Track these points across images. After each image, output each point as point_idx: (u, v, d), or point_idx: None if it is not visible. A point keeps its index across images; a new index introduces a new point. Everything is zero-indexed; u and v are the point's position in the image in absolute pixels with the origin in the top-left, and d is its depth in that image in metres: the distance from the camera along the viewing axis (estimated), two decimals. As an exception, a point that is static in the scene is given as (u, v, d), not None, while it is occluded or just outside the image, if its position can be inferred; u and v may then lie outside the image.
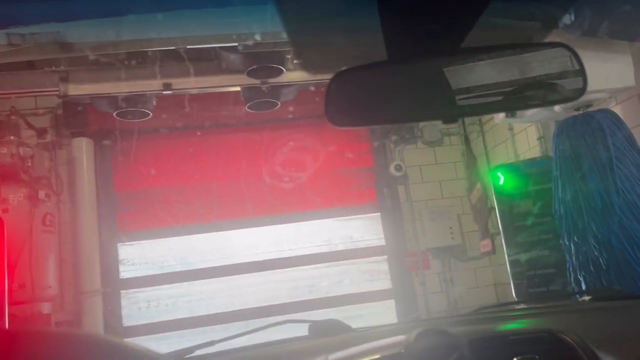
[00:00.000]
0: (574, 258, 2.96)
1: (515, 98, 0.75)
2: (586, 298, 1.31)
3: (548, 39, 2.64)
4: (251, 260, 4.77)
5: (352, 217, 4.95)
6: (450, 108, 0.74)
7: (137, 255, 4.68)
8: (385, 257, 4.90)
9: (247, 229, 4.82)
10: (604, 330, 0.95)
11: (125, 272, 4.61)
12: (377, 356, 0.81)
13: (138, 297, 4.61)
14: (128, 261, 4.67)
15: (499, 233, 3.82)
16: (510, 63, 0.73)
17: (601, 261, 2.81)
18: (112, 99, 3.33)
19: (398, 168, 4.89)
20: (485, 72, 0.72)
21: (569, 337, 0.76)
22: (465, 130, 4.91)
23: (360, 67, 0.76)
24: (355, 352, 0.87)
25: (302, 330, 1.35)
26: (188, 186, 4.70)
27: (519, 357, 0.73)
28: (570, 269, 2.99)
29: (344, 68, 0.74)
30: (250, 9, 2.37)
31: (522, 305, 1.30)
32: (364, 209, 4.95)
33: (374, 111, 0.76)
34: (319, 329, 1.30)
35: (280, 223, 4.84)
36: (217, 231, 4.79)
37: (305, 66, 3.01)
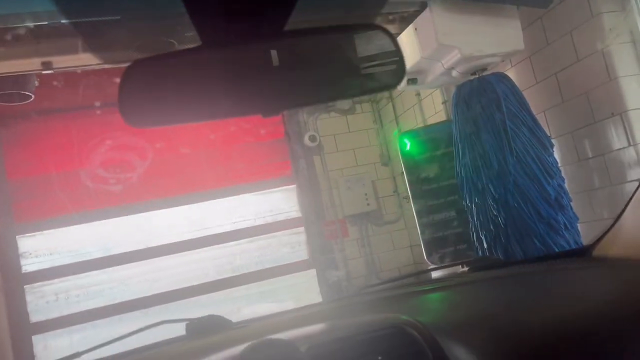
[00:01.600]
0: (475, 218, 3.07)
1: (337, 86, 0.69)
2: (465, 269, 1.33)
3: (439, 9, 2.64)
4: (169, 241, 4.62)
5: (269, 190, 4.88)
6: (271, 100, 0.67)
7: (40, 247, 4.39)
8: (304, 228, 4.91)
9: (162, 209, 4.65)
10: (466, 310, 0.95)
11: (28, 266, 4.32)
12: None
13: (45, 291, 4.35)
14: (30, 254, 4.37)
15: (409, 198, 3.90)
16: (333, 49, 0.66)
17: (499, 220, 2.93)
18: (-15, 82, 3.00)
19: (312, 138, 4.86)
20: (306, 59, 0.65)
21: (416, 331, 0.74)
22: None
23: (163, 54, 0.66)
24: None
25: (180, 330, 1.28)
26: (91, 169, 4.42)
27: None
28: (473, 228, 3.11)
29: (141, 57, 0.64)
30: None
31: (402, 281, 1.30)
32: (279, 181, 4.90)
33: (182, 107, 0.67)
34: (196, 327, 1.23)
35: (196, 202, 4.71)
36: (129, 214, 4.58)
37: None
